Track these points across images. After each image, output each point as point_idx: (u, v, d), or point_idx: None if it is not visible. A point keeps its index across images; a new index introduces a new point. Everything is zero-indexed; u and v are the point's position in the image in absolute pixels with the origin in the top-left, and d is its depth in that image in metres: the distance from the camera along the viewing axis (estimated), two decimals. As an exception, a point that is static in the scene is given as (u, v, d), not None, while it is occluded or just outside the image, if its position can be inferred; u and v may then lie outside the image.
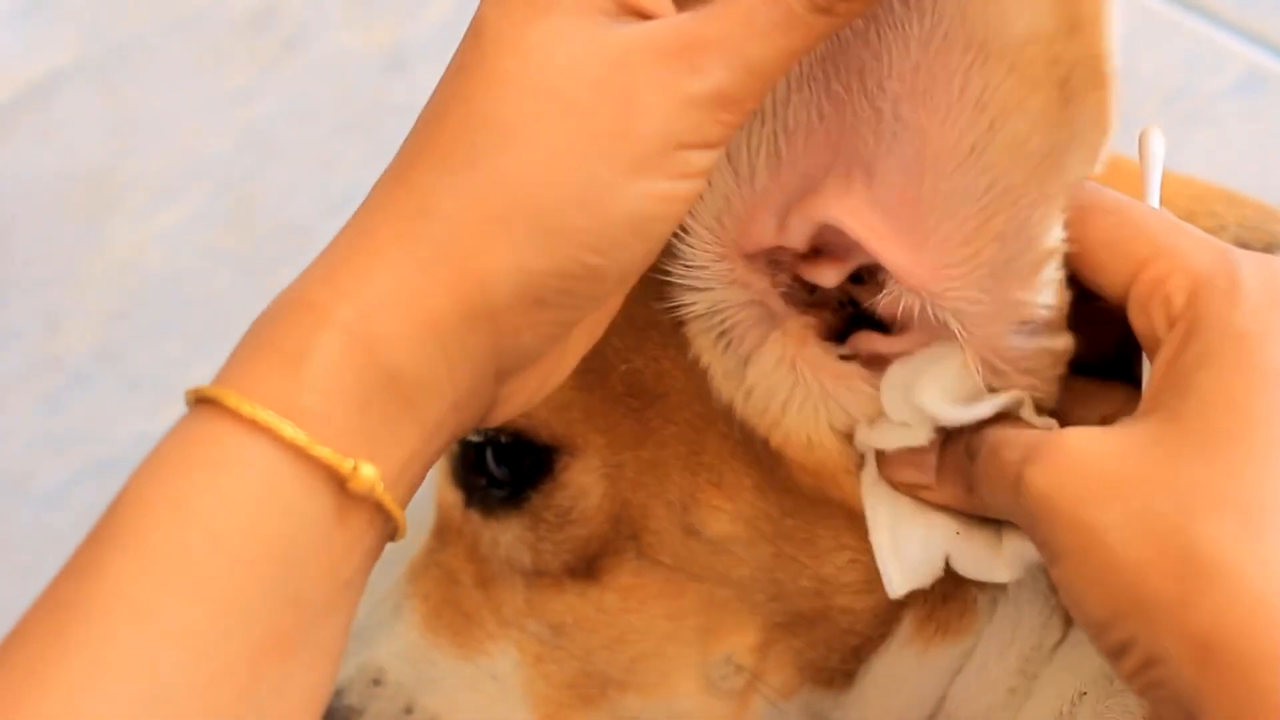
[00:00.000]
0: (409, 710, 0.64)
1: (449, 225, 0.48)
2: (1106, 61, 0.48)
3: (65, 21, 0.90)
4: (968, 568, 0.55)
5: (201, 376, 0.81)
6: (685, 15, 0.49)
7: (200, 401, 0.47)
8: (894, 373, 0.54)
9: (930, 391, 0.53)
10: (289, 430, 0.45)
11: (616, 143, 0.49)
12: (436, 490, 0.64)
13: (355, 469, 0.46)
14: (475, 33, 0.50)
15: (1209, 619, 0.46)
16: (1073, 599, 0.50)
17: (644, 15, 0.50)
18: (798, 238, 0.53)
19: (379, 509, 0.47)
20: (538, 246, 0.49)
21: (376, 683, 0.64)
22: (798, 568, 0.58)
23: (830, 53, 0.51)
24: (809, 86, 0.51)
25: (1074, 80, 0.48)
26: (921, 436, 0.54)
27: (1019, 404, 0.52)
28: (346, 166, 0.87)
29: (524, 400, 0.52)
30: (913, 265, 0.51)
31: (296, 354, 0.47)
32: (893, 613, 0.59)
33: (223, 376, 0.47)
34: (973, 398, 0.53)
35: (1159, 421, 0.49)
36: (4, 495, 0.82)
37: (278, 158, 0.87)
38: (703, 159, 0.49)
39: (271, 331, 0.48)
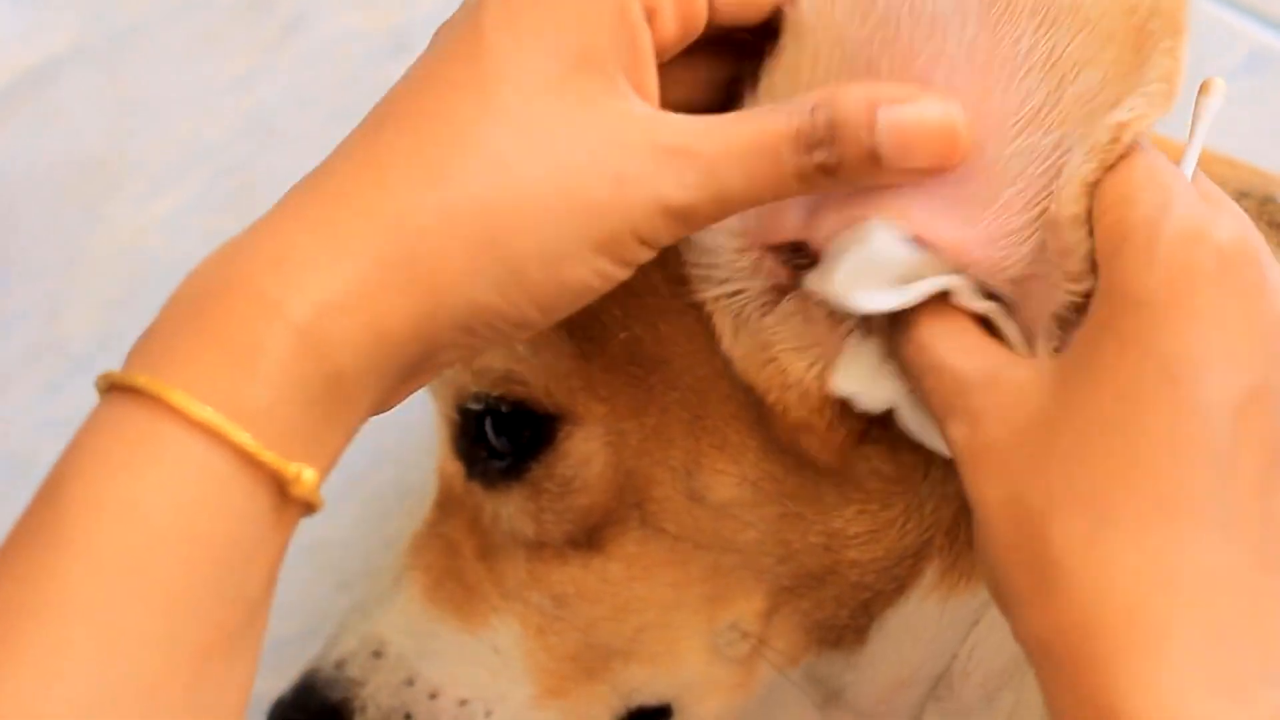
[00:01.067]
0: (410, 682, 0.64)
1: (422, 241, 0.49)
2: (1184, 8, 0.49)
3: (66, 6, 0.90)
4: (911, 426, 0.55)
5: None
6: (687, 120, 0.51)
7: (135, 390, 0.47)
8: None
9: (853, 280, 0.53)
10: (238, 435, 0.46)
11: (593, 217, 0.50)
12: (438, 462, 0.64)
13: (298, 474, 0.47)
14: (476, 49, 0.51)
15: (1049, 620, 0.48)
16: (977, 555, 0.52)
17: (639, 91, 0.52)
18: (827, 232, 0.54)
19: (309, 505, 0.48)
20: (493, 286, 0.50)
21: (378, 655, 0.65)
22: (805, 525, 0.59)
23: (878, 37, 0.52)
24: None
25: (1150, 28, 0.49)
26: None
27: (958, 289, 0.52)
28: (347, 149, 0.88)
29: (405, 396, 0.53)
30: (966, 240, 0.52)
31: (245, 350, 0.47)
32: (906, 565, 0.60)
33: (157, 361, 0.47)
34: (906, 280, 0.53)
35: (1057, 393, 0.50)
36: (6, 480, 0.83)
37: (278, 142, 0.88)
38: (646, 255, 0.51)
39: (215, 317, 0.47)
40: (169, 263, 0.85)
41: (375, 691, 0.64)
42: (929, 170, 0.51)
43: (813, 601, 0.61)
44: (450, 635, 0.64)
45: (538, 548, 0.62)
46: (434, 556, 0.65)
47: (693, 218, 0.51)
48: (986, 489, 0.51)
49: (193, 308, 0.48)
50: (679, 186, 0.50)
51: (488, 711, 0.64)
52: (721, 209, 0.51)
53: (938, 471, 0.58)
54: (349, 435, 0.49)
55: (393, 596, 0.65)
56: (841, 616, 0.61)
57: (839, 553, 0.59)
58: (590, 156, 0.50)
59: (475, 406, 0.61)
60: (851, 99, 0.51)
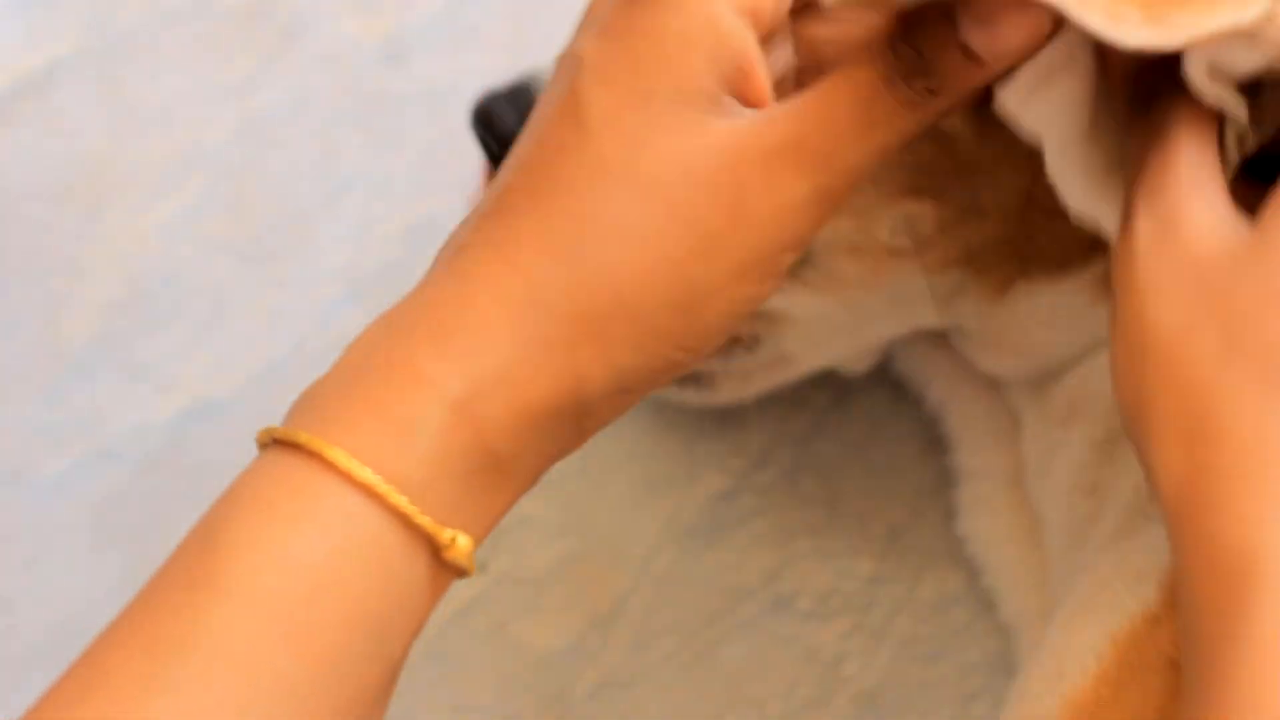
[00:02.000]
0: None
1: (554, 319, 0.51)
2: None
3: (65, 11, 0.91)
4: (1057, 171, 0.54)
5: (202, 367, 0.84)
6: (784, 112, 0.52)
7: (297, 447, 0.49)
8: None
9: None
10: (396, 498, 0.48)
11: (722, 249, 0.51)
12: None
13: (453, 540, 0.49)
14: (576, 110, 0.52)
15: (1196, 460, 0.48)
16: (1114, 377, 0.52)
17: (746, 101, 0.52)
18: None
19: (462, 571, 0.51)
20: (633, 346, 0.52)
21: None
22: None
23: None
24: None
25: None
26: None
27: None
28: (345, 156, 0.89)
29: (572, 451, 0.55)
30: None
31: (406, 424, 0.49)
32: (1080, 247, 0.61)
33: (319, 425, 0.50)
34: None
35: (1268, 231, 0.49)
36: (3, 486, 0.83)
37: (276, 148, 0.89)
38: (793, 257, 0.53)
39: (375, 390, 0.50)
40: (167, 267, 0.87)
41: None
42: (1029, 43, 0.51)
43: (975, 230, 0.62)
44: None
45: None
46: None
47: (828, 198, 0.52)
48: (1158, 308, 0.50)
49: (354, 379, 0.51)
50: (801, 182, 0.51)
51: None
52: (854, 178, 0.52)
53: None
54: (506, 506, 0.52)
55: None
56: (994, 258, 0.63)
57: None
58: (702, 191, 0.51)
59: None
60: (928, 8, 0.51)
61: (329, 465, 0.48)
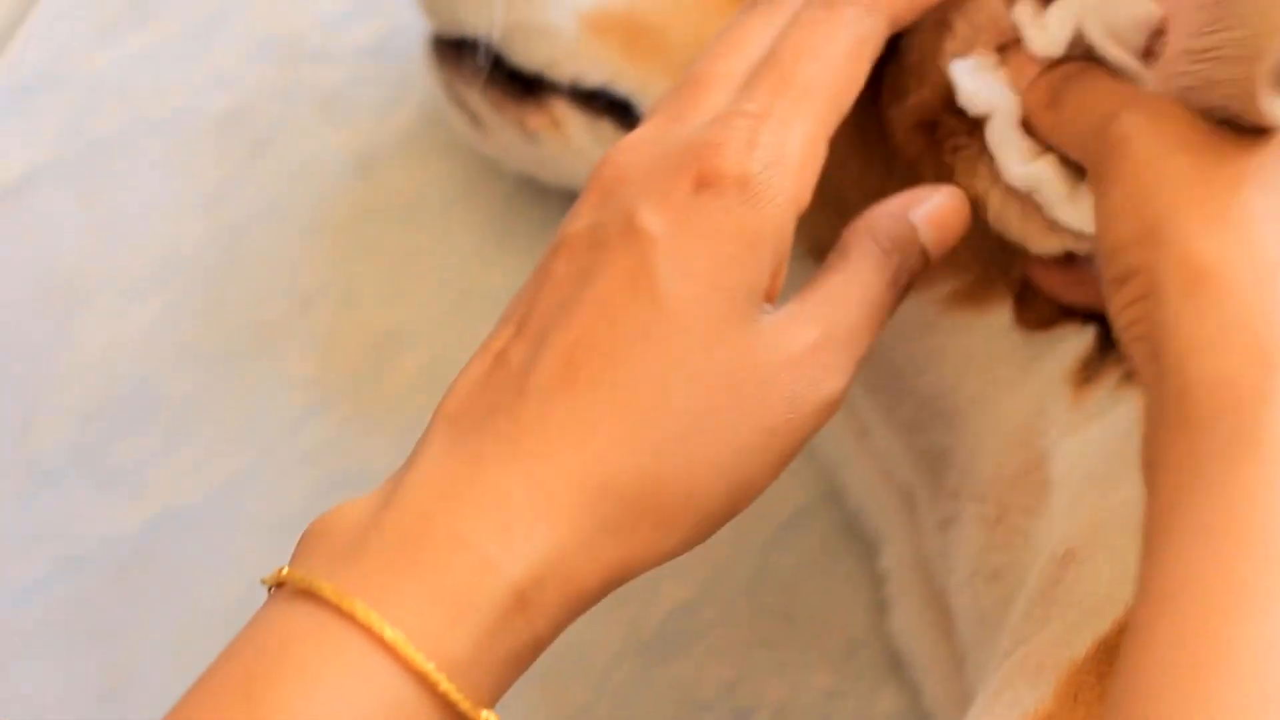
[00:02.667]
0: None
1: (623, 506, 0.53)
2: None
3: (41, 120, 0.92)
4: (995, 140, 0.61)
5: (172, 475, 0.85)
6: (813, 311, 0.57)
7: (350, 618, 0.50)
8: None
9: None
10: (446, 685, 0.50)
11: (774, 443, 0.55)
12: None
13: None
14: (655, 296, 0.54)
15: (1213, 251, 0.50)
16: (1104, 221, 0.54)
17: (768, 295, 0.57)
18: None
19: None
20: (687, 529, 0.54)
21: None
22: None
23: None
24: None
25: None
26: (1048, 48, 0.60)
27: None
28: (315, 267, 0.90)
29: None
30: None
31: (462, 605, 0.50)
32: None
33: (372, 595, 0.50)
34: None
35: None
36: (-26, 592, 0.84)
37: (247, 257, 0.90)
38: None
39: (431, 565, 0.51)
40: (139, 376, 0.88)
41: None
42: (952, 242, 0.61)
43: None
44: None
45: None
46: None
47: (851, 375, 0.57)
48: (1170, 155, 0.53)
49: (410, 551, 0.51)
50: (834, 376, 0.57)
51: None
52: (859, 365, 0.58)
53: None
54: (523, 671, 0.53)
55: None
56: None
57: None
58: (768, 389, 0.55)
59: None
60: (899, 220, 0.60)
61: (382, 643, 0.49)
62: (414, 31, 0.92)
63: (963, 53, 0.63)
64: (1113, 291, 0.54)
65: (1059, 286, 0.65)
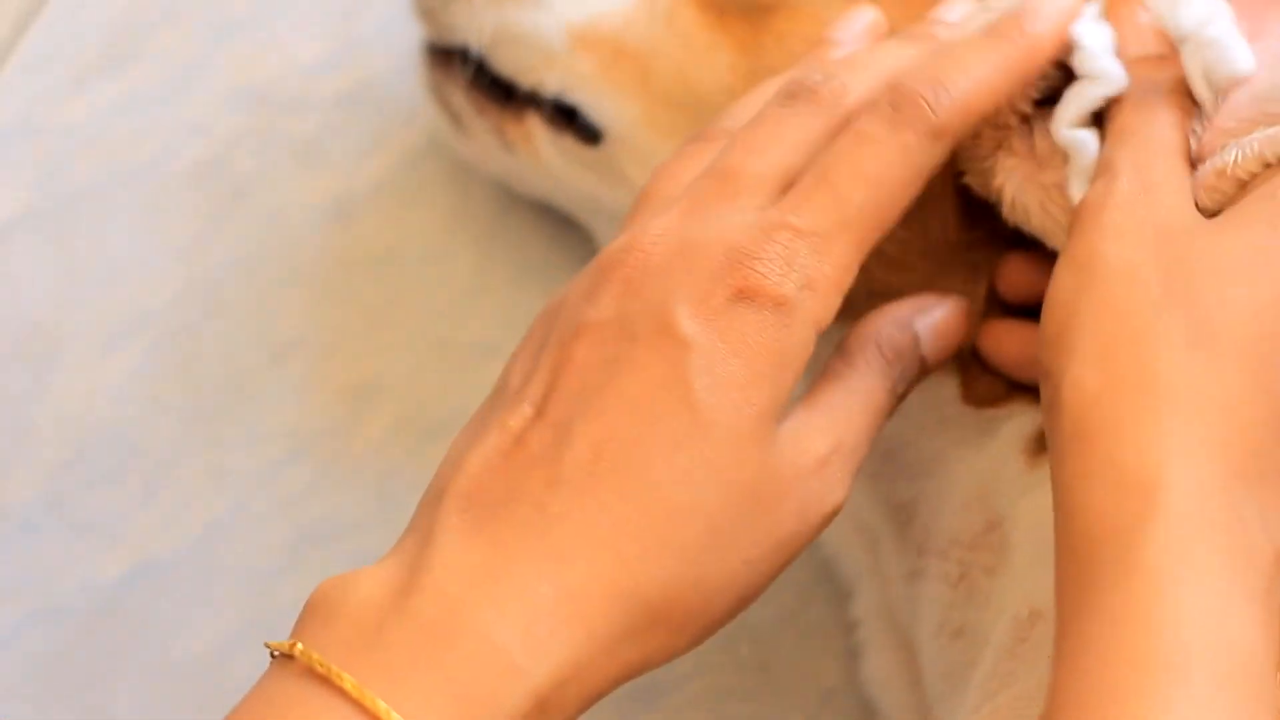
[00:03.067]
0: None
1: (650, 615, 0.53)
2: None
3: (15, 170, 0.93)
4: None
5: (147, 526, 0.85)
6: (822, 421, 0.58)
7: (352, 700, 0.50)
8: None
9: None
10: None
11: (785, 551, 0.57)
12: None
13: None
14: (691, 406, 0.55)
15: (1108, 379, 0.52)
16: (1047, 303, 0.56)
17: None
18: None
19: None
20: (697, 631, 0.56)
21: None
22: None
23: None
24: None
25: None
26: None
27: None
28: (291, 317, 0.90)
29: None
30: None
31: (482, 706, 0.50)
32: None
33: (391, 689, 0.50)
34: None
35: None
36: (-52, 644, 0.84)
37: (223, 308, 0.90)
38: None
39: (456, 666, 0.51)
40: (114, 427, 0.88)
41: None
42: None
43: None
44: None
45: None
46: None
47: (852, 473, 0.59)
48: (1113, 246, 0.55)
49: (432, 643, 0.51)
50: (839, 487, 0.58)
51: None
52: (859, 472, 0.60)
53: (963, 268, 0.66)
54: None
55: None
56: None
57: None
58: (786, 502, 0.56)
59: None
60: (904, 328, 0.62)
61: None
62: (390, 79, 0.93)
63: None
64: (1042, 387, 0.56)
65: (1010, 361, 0.66)
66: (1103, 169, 0.59)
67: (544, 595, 0.52)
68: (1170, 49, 0.61)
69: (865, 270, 0.66)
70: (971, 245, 0.66)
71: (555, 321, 0.58)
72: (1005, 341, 0.66)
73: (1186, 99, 0.60)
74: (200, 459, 0.88)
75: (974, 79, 0.60)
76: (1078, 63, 0.61)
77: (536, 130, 0.81)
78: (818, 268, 0.57)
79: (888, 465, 0.71)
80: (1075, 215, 0.58)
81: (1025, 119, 0.63)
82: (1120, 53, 0.62)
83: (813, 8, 0.71)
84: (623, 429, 0.54)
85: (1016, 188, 0.62)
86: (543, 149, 0.81)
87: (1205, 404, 0.51)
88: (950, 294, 0.65)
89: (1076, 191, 0.60)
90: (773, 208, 0.58)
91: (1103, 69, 0.61)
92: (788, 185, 0.59)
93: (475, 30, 0.79)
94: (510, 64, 0.79)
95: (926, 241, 0.67)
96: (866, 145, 0.58)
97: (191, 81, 0.94)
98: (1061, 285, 0.56)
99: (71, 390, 0.89)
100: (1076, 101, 0.61)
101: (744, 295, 0.55)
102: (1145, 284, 0.53)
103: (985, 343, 0.66)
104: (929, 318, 0.63)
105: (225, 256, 0.91)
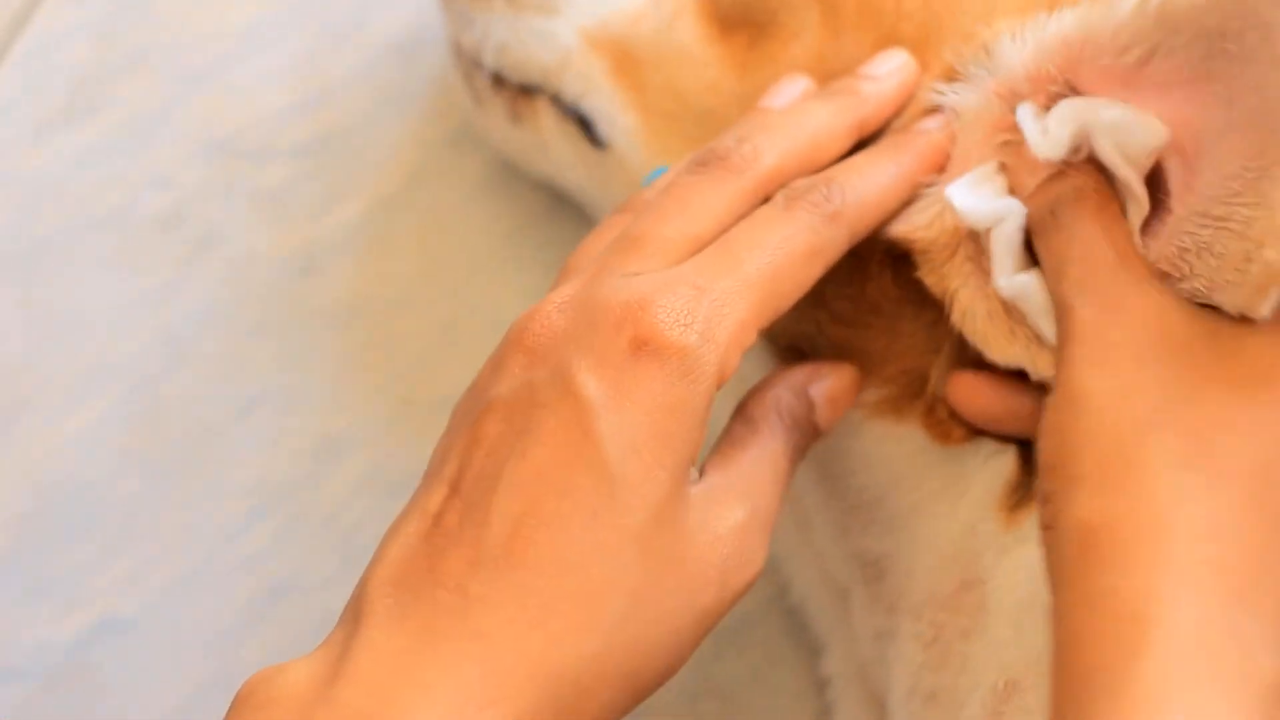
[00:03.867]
0: None
1: (576, 689, 0.54)
2: None
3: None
4: (999, 251, 0.63)
5: (110, 582, 0.85)
6: (737, 484, 0.59)
7: None
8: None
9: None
10: None
11: (708, 618, 0.57)
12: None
13: None
14: (602, 470, 0.55)
15: (1106, 505, 0.52)
16: (1040, 432, 0.56)
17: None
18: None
19: None
20: (623, 710, 0.55)
21: None
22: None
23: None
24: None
25: None
26: (1047, 151, 0.61)
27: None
28: (258, 370, 0.90)
29: None
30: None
31: None
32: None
33: None
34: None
35: (1197, 323, 0.55)
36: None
37: (189, 359, 0.90)
38: None
39: None
40: (78, 480, 0.88)
41: None
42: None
43: (799, 331, 0.69)
44: None
45: None
46: None
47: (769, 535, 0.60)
48: (1092, 376, 0.55)
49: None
50: (758, 554, 0.59)
51: None
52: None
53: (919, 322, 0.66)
54: None
55: None
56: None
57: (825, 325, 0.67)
58: (702, 568, 0.56)
59: None
60: (801, 396, 0.63)
61: None
62: (359, 126, 0.93)
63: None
64: (1038, 508, 0.56)
65: (980, 414, 0.66)
66: (1059, 305, 0.59)
67: (470, 677, 0.52)
68: (1057, 165, 0.62)
69: (820, 326, 0.66)
70: (922, 302, 0.66)
71: (469, 402, 0.59)
72: (975, 395, 0.66)
73: (1103, 195, 0.60)
74: (164, 514, 0.88)
75: (873, 183, 0.63)
76: (970, 223, 0.63)
77: (544, 110, 0.82)
78: (718, 323, 0.57)
79: (856, 518, 0.70)
80: (1056, 352, 0.58)
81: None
82: (1020, 190, 0.63)
83: (803, 35, 0.72)
84: (537, 503, 0.54)
85: (970, 296, 0.64)
86: (547, 129, 0.82)
87: (1204, 526, 0.51)
88: (872, 353, 0.67)
89: (1047, 332, 0.61)
90: (675, 267, 0.59)
91: (992, 210, 0.62)
92: (695, 251, 0.60)
93: (493, 48, 0.81)
94: (526, 71, 0.81)
95: (870, 301, 0.68)
96: (765, 223, 0.60)
97: (156, 130, 0.94)
98: (1052, 418, 0.56)
99: (34, 443, 0.89)
100: (999, 252, 0.62)
101: (644, 345, 0.56)
102: (1132, 408, 0.54)
103: (955, 396, 0.66)
104: (823, 385, 0.64)
105: (191, 308, 0.91)
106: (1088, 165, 0.61)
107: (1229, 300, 0.56)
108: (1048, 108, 0.63)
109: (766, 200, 0.63)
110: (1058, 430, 0.55)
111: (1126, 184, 0.60)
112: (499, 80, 0.83)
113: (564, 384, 0.55)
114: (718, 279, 0.58)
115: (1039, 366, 0.63)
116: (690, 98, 0.75)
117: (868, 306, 0.67)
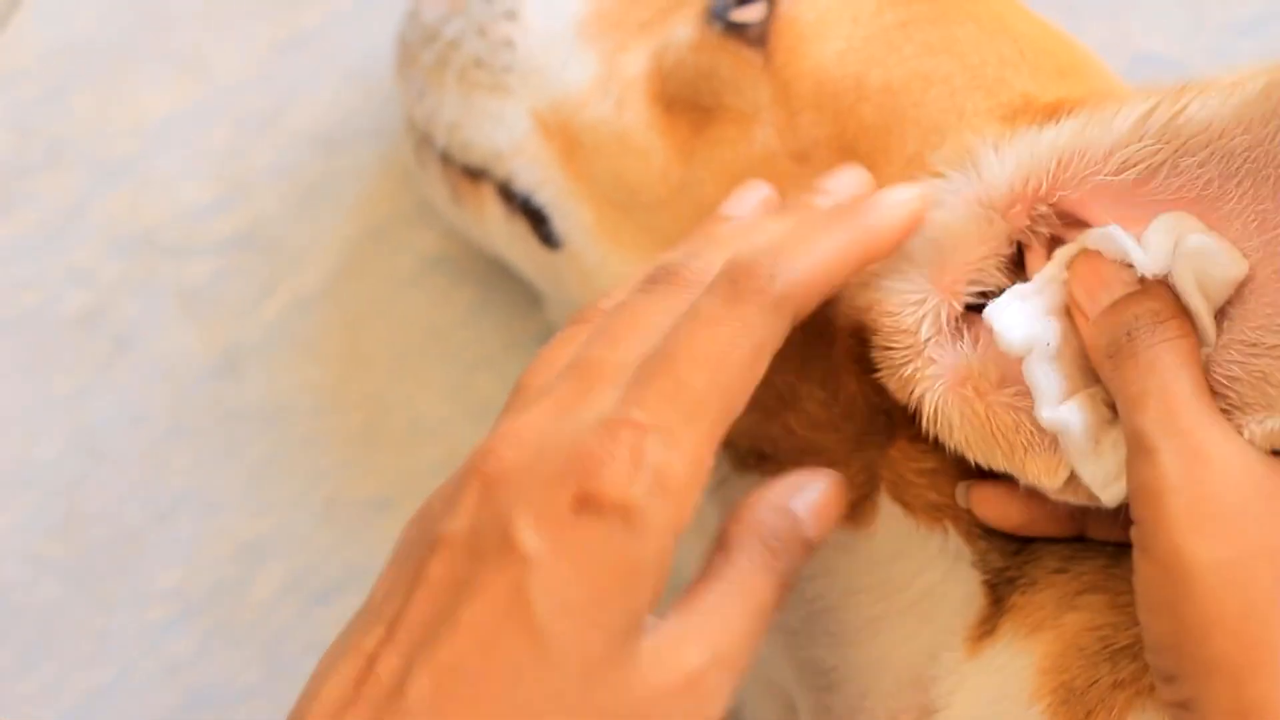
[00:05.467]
0: None
1: None
2: None
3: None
4: (1039, 379, 0.62)
5: (28, 691, 0.84)
6: (695, 630, 0.57)
7: None
8: None
9: None
10: None
11: None
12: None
13: None
14: (530, 627, 0.54)
15: (1265, 692, 0.51)
16: (1144, 605, 0.55)
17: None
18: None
19: None
20: None
21: None
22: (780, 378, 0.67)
23: None
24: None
25: None
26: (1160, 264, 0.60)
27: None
28: (178, 472, 0.91)
29: None
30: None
31: None
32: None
33: None
34: None
35: None
36: None
37: (108, 463, 0.90)
38: None
39: None
40: (-4, 587, 0.87)
41: None
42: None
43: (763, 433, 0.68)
44: None
45: None
46: None
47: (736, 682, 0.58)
48: (1201, 546, 0.53)
49: None
50: (717, 699, 0.57)
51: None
52: (743, 678, 0.58)
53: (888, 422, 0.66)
54: None
55: None
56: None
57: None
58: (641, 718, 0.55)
59: None
60: (783, 513, 0.61)
61: None
62: (282, 220, 0.93)
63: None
64: (1158, 680, 0.55)
65: (1015, 522, 0.65)
66: (1137, 447, 0.57)
67: None
68: (1135, 282, 0.61)
69: (791, 431, 0.66)
70: (893, 405, 0.66)
71: (420, 530, 0.58)
72: (1004, 506, 0.65)
73: (1182, 325, 0.59)
74: (83, 621, 0.88)
75: (813, 257, 0.61)
76: (1009, 349, 0.62)
77: (490, 202, 0.82)
78: (668, 465, 0.56)
79: (809, 625, 0.70)
80: (1136, 503, 0.57)
81: (956, 325, 0.64)
82: (1093, 307, 0.62)
83: (755, 118, 0.72)
84: (466, 660, 0.54)
85: (940, 398, 0.63)
86: (492, 219, 0.82)
87: None
88: (843, 460, 0.66)
89: (1089, 474, 0.60)
90: (620, 402, 0.57)
91: (1032, 334, 0.62)
92: None
93: (444, 125, 0.81)
94: (474, 153, 0.81)
95: (845, 404, 0.67)
96: (705, 326, 0.59)
97: (72, 227, 0.94)
98: (1159, 593, 0.55)
99: (-51, 550, 0.89)
100: (1042, 380, 0.61)
101: (587, 503, 0.55)
102: (1257, 580, 0.53)
103: (982, 511, 0.65)
104: (806, 497, 0.62)
105: (110, 409, 0.91)
106: (1162, 287, 0.60)
107: None
108: (1033, 228, 0.63)
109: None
110: (1171, 608, 0.54)
111: (1196, 315, 0.59)
112: (447, 158, 0.82)
113: (504, 537, 0.55)
114: (664, 411, 0.57)
115: (1028, 475, 0.62)
116: (641, 189, 0.75)
117: (842, 411, 0.67)
